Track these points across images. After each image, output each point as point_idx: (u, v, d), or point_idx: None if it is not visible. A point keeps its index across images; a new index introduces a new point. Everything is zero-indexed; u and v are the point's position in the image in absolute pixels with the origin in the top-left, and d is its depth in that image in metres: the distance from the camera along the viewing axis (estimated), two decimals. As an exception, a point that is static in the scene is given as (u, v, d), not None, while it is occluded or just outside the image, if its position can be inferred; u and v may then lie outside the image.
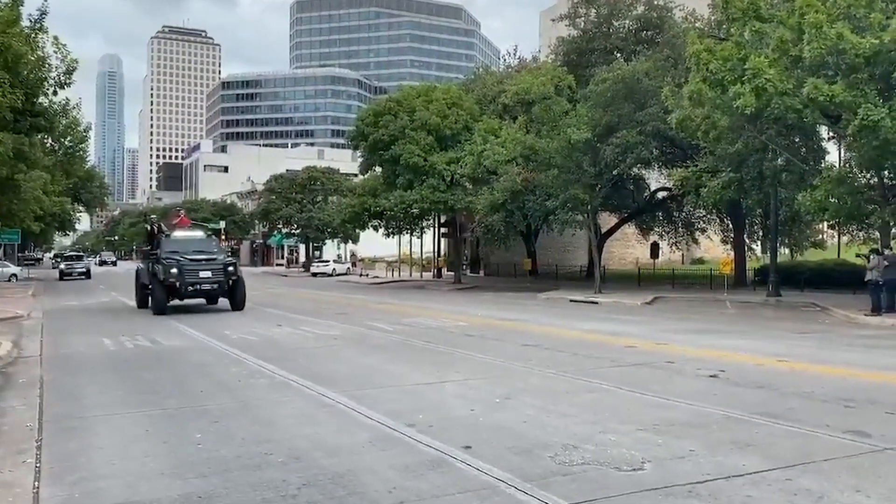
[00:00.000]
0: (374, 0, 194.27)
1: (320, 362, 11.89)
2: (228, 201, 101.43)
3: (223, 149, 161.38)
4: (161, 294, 21.21)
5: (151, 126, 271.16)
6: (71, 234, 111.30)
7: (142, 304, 23.55)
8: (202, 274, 21.59)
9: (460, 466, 5.93)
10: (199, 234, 25.69)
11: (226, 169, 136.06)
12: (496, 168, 33.02)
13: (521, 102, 34.64)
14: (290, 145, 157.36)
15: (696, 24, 30.77)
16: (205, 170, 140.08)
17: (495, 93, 40.27)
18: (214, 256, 22.61)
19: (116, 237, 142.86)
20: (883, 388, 9.38)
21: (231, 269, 22.22)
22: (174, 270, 21.11)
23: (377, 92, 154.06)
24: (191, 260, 21.70)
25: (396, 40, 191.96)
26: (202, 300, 23.67)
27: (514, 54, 49.34)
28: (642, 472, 5.79)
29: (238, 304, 22.47)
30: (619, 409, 8.09)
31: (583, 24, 39.01)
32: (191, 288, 21.51)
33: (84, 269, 53.00)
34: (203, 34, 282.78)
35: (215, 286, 21.95)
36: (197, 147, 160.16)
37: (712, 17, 29.45)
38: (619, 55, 35.48)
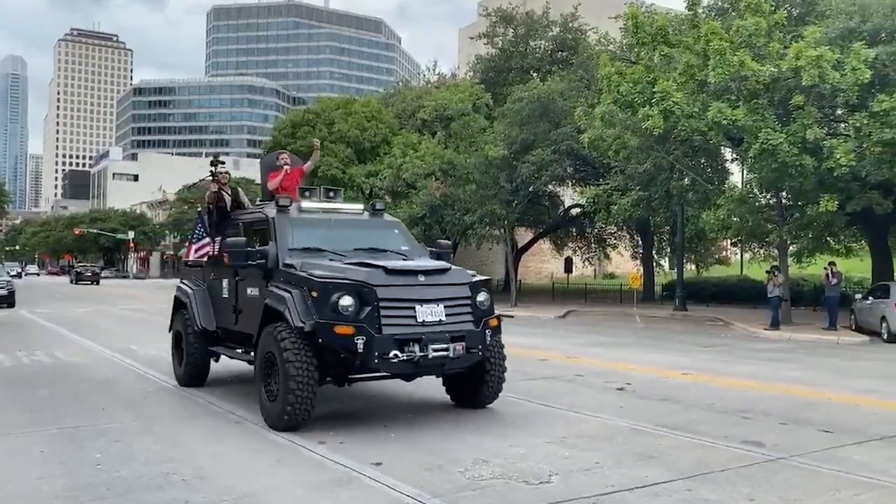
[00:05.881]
0: (293, 10, 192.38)
1: (230, 378, 11.60)
2: (138, 211, 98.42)
3: (134, 157, 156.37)
4: (307, 370, 7.49)
5: (57, 132, 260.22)
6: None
7: (197, 377, 10.44)
8: (424, 312, 7.71)
9: (370, 483, 5.90)
10: (355, 208, 10.19)
11: (136, 177, 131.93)
12: (415, 182, 33.17)
13: (440, 118, 34.99)
14: (204, 154, 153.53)
15: (609, 47, 31.76)
16: (114, 178, 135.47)
17: (414, 107, 40.51)
18: (436, 267, 8.30)
19: (18, 246, 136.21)
20: (777, 400, 9.84)
21: (484, 299, 8.30)
22: (348, 300, 7.51)
23: (295, 103, 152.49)
24: (389, 273, 7.81)
25: (316, 51, 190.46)
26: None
27: (434, 70, 49.76)
28: (549, 484, 5.89)
29: (490, 391, 8.75)
30: (529, 422, 8.21)
31: (500, 43, 39.79)
32: (401, 355, 7.47)
33: (6, 291, 29.75)
34: (114, 38, 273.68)
35: (458, 348, 7.72)
36: (106, 154, 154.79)
37: (624, 41, 30.45)
38: (535, 75, 36.32)
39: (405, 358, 7.47)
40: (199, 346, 10.18)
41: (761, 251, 33.32)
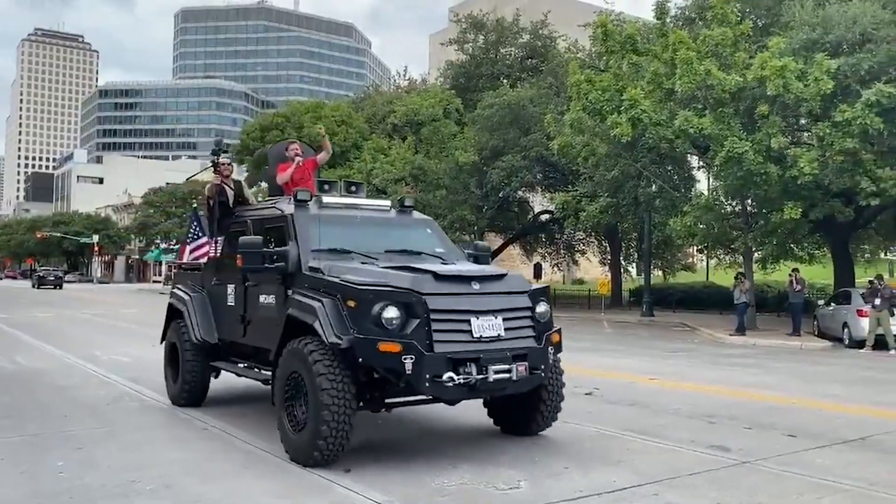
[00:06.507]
0: (262, 13, 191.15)
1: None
2: (103, 214, 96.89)
3: (99, 159, 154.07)
4: (345, 395, 6.31)
5: (20, 133, 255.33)
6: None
7: (195, 396, 9.21)
8: (480, 326, 6.56)
9: (340, 491, 5.86)
10: (382, 204, 8.77)
11: (101, 180, 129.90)
12: (385, 187, 33.13)
13: (410, 123, 35.02)
14: (170, 157, 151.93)
15: (578, 55, 32.09)
16: (78, 181, 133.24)
17: (385, 112, 40.48)
18: (491, 273, 7.17)
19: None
20: (742, 405, 9.97)
21: (544, 310, 7.12)
22: (393, 312, 6.34)
23: (264, 106, 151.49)
24: (439, 279, 6.65)
25: (286, 55, 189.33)
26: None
27: (404, 75, 49.81)
28: (518, 490, 5.90)
29: (546, 417, 7.61)
30: (498, 428, 8.21)
31: (471, 49, 39.95)
32: (457, 377, 6.25)
33: None
34: (80, 39, 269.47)
35: (520, 368, 6.55)
36: (70, 157, 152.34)
37: (593, 49, 30.79)
38: (505, 81, 36.52)
39: (461, 381, 6.27)
40: (197, 361, 8.99)
41: (727, 258, 33.82)
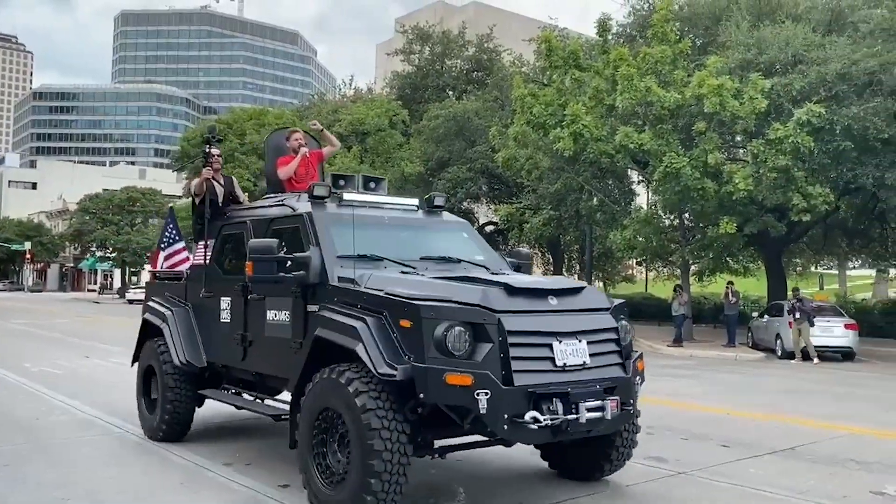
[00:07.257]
0: (206, 19, 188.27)
1: (131, 397, 11.14)
2: (36, 221, 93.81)
3: (32, 164, 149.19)
4: (399, 440, 5.06)
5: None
6: None
7: (176, 429, 7.84)
8: (563, 352, 5.30)
9: (278, 505, 5.78)
10: (409, 203, 7.51)
11: (34, 186, 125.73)
12: (329, 197, 32.94)
13: (356, 132, 34.90)
14: (108, 163, 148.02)
15: (523, 69, 32.47)
16: (9, 186, 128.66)
17: (330, 121, 40.19)
18: (568, 286, 5.94)
19: None
20: (678, 415, 10.19)
21: (626, 330, 5.90)
22: (460, 334, 5.05)
23: (206, 112, 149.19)
24: (512, 293, 5.39)
25: (229, 61, 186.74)
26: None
27: (350, 84, 49.75)
28: (459, 503, 5.91)
29: (620, 458, 6.38)
30: (441, 441, 8.20)
31: (417, 60, 40.07)
32: (542, 418, 4.94)
33: None
34: (13, 40, 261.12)
35: (612, 405, 5.28)
36: (1, 161, 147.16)
37: (537, 64, 31.18)
38: (451, 93, 36.74)
39: (546, 423, 4.95)
40: (180, 389, 7.65)
41: (665, 270, 34.58)
